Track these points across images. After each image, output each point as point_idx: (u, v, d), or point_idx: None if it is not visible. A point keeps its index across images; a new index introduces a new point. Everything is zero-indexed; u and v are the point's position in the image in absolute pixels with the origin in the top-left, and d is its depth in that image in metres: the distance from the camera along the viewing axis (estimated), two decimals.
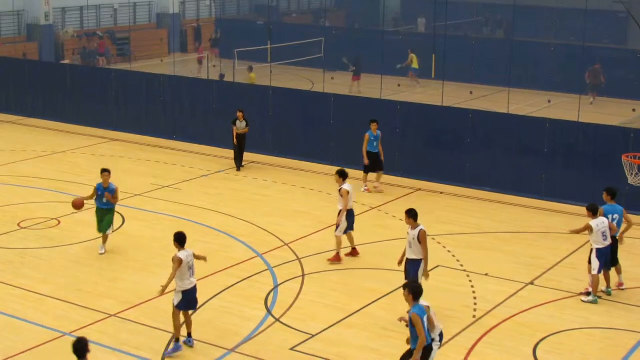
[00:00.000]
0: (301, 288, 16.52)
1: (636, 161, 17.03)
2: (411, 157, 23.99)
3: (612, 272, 16.25)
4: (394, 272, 16.16)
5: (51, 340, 14.14)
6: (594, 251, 15.42)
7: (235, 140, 25.06)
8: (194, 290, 13.48)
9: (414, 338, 11.25)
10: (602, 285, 16.04)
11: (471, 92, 29.45)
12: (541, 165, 22.27)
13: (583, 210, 20.12)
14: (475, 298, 16.08)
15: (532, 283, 16.75)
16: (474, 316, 15.29)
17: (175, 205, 21.73)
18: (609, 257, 15.62)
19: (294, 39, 39.59)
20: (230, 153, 26.10)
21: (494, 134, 23.28)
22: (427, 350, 10.96)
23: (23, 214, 20.80)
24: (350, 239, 17.79)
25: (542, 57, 34.57)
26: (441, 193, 22.95)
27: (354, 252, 17.85)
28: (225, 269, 17.34)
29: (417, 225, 14.51)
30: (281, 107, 26.75)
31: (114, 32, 45.77)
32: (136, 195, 22.47)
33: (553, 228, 20.09)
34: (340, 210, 17.36)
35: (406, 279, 14.30)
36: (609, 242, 15.49)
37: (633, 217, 20.48)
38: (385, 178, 22.87)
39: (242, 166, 25.49)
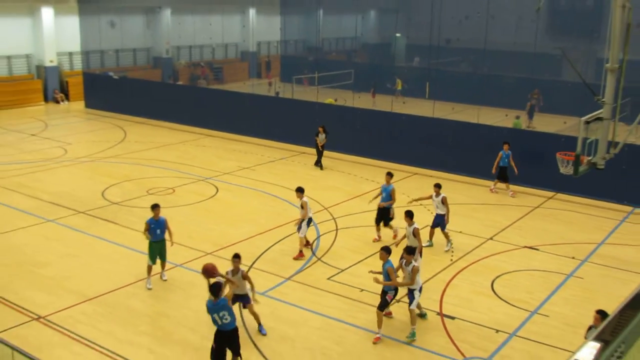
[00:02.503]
0: (335, 238, 16.69)
1: (566, 157, 16.96)
2: (410, 151, 24.04)
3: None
4: (401, 230, 16.31)
5: (166, 270, 14.52)
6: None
7: (319, 147, 23.52)
8: None
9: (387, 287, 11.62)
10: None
11: (453, 108, 29.38)
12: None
13: (526, 189, 20.35)
14: (452, 249, 16.18)
15: (491, 238, 16.86)
16: (451, 260, 15.47)
17: (251, 180, 21.83)
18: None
19: (333, 70, 39.70)
20: (287, 145, 26.43)
21: (467, 137, 23.29)
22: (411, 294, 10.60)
23: (150, 184, 21.08)
24: (301, 243, 15.55)
25: (503, 85, 34.47)
26: (431, 176, 23.08)
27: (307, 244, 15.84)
28: (284, 224, 17.39)
29: (412, 223, 13.70)
30: (324, 116, 26.84)
31: (212, 63, 46.01)
32: (225, 173, 22.64)
33: (506, 202, 20.18)
34: (301, 219, 15.28)
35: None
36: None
37: (564, 196, 20.66)
38: (393, 166, 22.87)
39: (321, 167, 23.60)
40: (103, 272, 14.33)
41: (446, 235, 16.07)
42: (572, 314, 12.75)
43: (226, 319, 9.70)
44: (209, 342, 11.35)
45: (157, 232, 13.40)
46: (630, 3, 14.90)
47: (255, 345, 11.37)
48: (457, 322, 12.38)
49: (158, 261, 13.67)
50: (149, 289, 13.53)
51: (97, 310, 12.54)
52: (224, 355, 10.01)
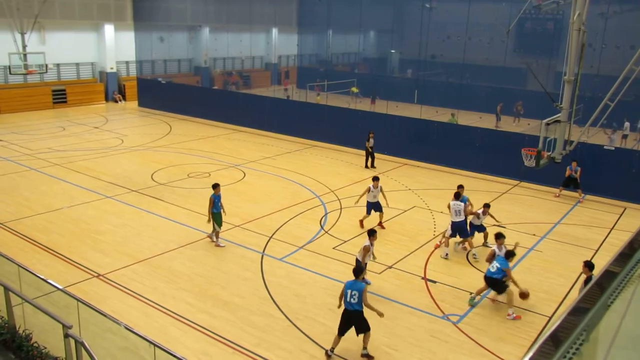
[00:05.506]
0: (340, 215, 16.54)
1: (529, 152, 16.74)
2: (402, 145, 23.83)
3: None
4: (392, 209, 16.17)
5: (201, 239, 14.43)
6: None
7: (369, 149, 22.00)
8: None
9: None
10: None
11: (437, 111, 29.07)
12: (473, 152, 22.05)
13: (495, 178, 20.05)
14: (434, 225, 16.04)
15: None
16: (434, 234, 15.30)
17: (272, 167, 21.70)
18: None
19: (339, 79, 39.43)
20: (301, 139, 26.22)
21: (448, 135, 23.06)
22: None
23: (190, 169, 20.99)
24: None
25: (477, 93, 34.12)
26: (418, 167, 22.93)
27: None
28: (298, 203, 17.35)
29: (369, 241, 11.53)
30: (331, 118, 26.73)
31: (241, 72, 45.73)
32: (251, 161, 22.51)
33: (478, 187, 19.97)
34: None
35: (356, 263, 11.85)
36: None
37: (527, 184, 20.42)
38: (388, 158, 22.66)
39: (374, 167, 21.91)
40: (150, 239, 14.25)
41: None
42: (533, 280, 12.55)
43: (354, 300, 9.10)
44: (236, 298, 11.29)
45: (218, 205, 13.86)
46: (585, 27, 14.64)
47: (273, 300, 11.25)
48: (438, 286, 12.22)
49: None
50: (222, 246, 13.86)
51: (146, 270, 12.46)
52: (345, 330, 9.36)
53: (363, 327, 9.32)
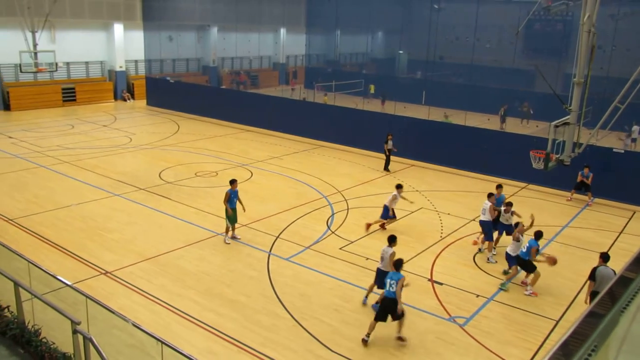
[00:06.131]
0: (346, 215, 16.53)
1: (538, 155, 16.65)
2: (410, 146, 23.73)
3: None
4: (399, 210, 16.13)
5: (208, 238, 14.49)
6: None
7: (387, 152, 21.76)
8: None
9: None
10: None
11: (444, 113, 28.98)
12: (481, 154, 21.95)
13: (504, 180, 19.97)
14: (442, 227, 15.99)
15: (473, 220, 16.57)
16: (441, 236, 15.25)
17: (279, 167, 21.71)
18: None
19: (347, 80, 39.40)
20: (308, 140, 26.20)
21: (457, 136, 22.96)
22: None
23: (197, 168, 21.02)
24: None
25: (486, 94, 33.94)
26: (426, 167, 22.87)
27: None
28: (305, 203, 17.35)
29: (391, 247, 11.14)
30: (338, 118, 26.72)
31: (249, 72, 45.78)
32: (258, 161, 22.53)
33: (485, 190, 19.86)
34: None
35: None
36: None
37: (535, 187, 20.32)
38: (395, 159, 22.64)
39: (389, 171, 21.73)
40: (158, 237, 14.31)
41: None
42: (540, 284, 12.47)
43: (392, 288, 9.73)
44: (242, 296, 11.31)
45: (234, 200, 14.06)
46: (595, 29, 14.55)
47: (279, 299, 11.27)
48: (444, 288, 12.18)
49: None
50: (227, 243, 14.05)
51: (153, 268, 12.51)
52: (385, 317, 9.85)
53: (398, 314, 9.94)
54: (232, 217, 14.07)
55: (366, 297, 11.37)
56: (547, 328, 10.72)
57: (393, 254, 10.91)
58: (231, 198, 13.99)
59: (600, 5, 14.63)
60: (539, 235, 12.09)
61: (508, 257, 12.54)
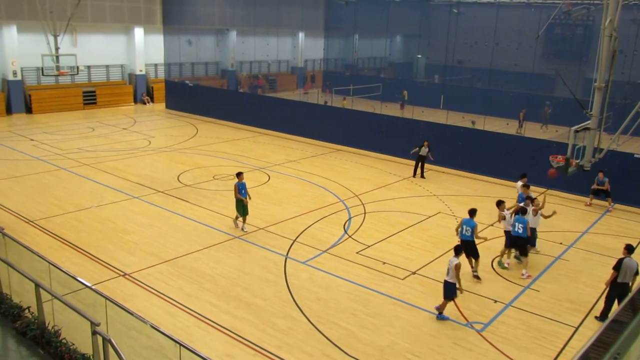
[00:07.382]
0: (363, 219, 16.48)
1: (558, 160, 16.47)
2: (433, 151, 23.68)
3: None
4: (416, 215, 16.08)
5: (225, 241, 14.56)
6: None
7: (420, 158, 21.41)
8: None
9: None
10: None
11: (463, 117, 28.80)
12: (499, 158, 21.76)
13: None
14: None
15: (492, 225, 16.46)
16: (458, 241, 15.05)
17: (296, 171, 21.75)
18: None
19: (365, 84, 39.39)
20: (325, 143, 26.19)
21: (475, 141, 22.81)
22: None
23: (215, 171, 21.15)
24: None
25: (505, 99, 33.67)
26: (443, 172, 22.76)
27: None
28: (323, 207, 17.35)
29: (457, 258, 10.83)
30: (355, 121, 26.69)
31: (267, 75, 45.98)
32: (276, 164, 22.61)
33: (503, 194, 19.70)
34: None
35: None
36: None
37: (554, 192, 20.11)
38: (412, 163, 22.48)
39: (424, 177, 21.47)
40: (176, 239, 14.42)
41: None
42: (559, 290, 12.35)
43: (467, 233, 12.40)
44: (259, 299, 11.34)
45: (242, 192, 14.86)
46: (616, 33, 14.38)
47: (296, 303, 11.28)
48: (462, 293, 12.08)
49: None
50: (238, 228, 15.17)
51: (170, 270, 12.61)
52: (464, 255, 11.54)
53: (473, 254, 12.37)
54: (243, 208, 14.84)
55: (438, 310, 11.09)
56: (566, 335, 10.58)
57: (458, 264, 10.74)
58: (240, 190, 14.74)
59: (622, 9, 14.46)
60: (523, 211, 13.25)
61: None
